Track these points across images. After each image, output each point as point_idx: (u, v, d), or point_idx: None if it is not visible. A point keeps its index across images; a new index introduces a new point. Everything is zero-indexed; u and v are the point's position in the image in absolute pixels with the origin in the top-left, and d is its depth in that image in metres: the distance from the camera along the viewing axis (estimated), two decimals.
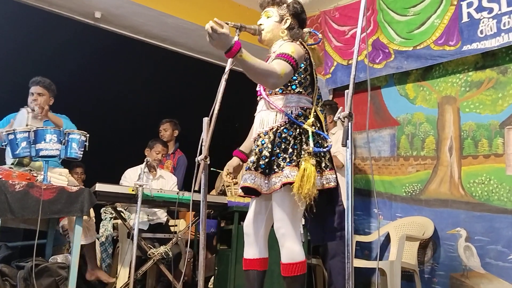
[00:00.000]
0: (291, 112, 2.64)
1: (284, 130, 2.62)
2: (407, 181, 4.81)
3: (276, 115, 2.67)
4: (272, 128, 2.65)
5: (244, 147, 2.96)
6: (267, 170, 2.59)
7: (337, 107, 4.40)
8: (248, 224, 2.79)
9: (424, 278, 4.48)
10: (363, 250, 4.99)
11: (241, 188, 2.65)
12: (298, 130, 2.61)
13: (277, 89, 2.68)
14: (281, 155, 2.57)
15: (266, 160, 2.59)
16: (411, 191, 4.75)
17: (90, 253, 4.22)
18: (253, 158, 2.65)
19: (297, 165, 2.52)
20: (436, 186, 4.57)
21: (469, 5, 4.36)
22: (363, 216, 5.06)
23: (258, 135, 2.71)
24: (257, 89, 2.82)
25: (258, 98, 2.82)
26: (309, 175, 2.46)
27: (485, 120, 4.34)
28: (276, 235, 2.59)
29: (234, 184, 4.78)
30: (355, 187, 5.06)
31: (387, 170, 4.99)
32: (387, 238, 4.74)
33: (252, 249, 2.76)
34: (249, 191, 2.66)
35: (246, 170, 2.65)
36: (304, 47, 2.72)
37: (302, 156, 2.54)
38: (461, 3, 4.42)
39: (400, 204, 4.82)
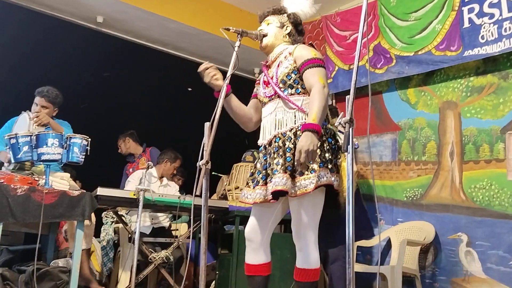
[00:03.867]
0: None
1: None
2: (408, 186, 4.81)
3: (295, 115, 2.65)
4: (292, 129, 2.63)
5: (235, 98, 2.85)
6: (294, 173, 2.54)
7: (337, 111, 4.41)
8: (251, 230, 2.77)
9: (425, 283, 4.47)
10: (364, 255, 4.98)
11: (272, 193, 2.55)
12: (322, 130, 2.58)
13: (295, 90, 2.68)
14: None
15: (291, 162, 2.55)
16: (412, 196, 4.75)
17: (83, 258, 4.17)
18: (277, 160, 2.58)
19: (327, 167, 2.51)
20: (437, 191, 4.57)
21: (470, 10, 4.37)
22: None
23: (275, 136, 2.67)
24: (263, 90, 2.81)
25: (265, 101, 2.80)
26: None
27: (486, 125, 4.34)
28: (295, 237, 2.58)
29: (236, 189, 4.79)
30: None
31: (388, 175, 4.99)
32: (388, 243, 4.73)
33: (256, 255, 2.74)
34: (276, 195, 2.58)
35: (274, 173, 2.56)
36: (314, 48, 2.75)
37: (337, 156, 2.55)
38: (463, 8, 4.43)
39: (401, 209, 4.81)
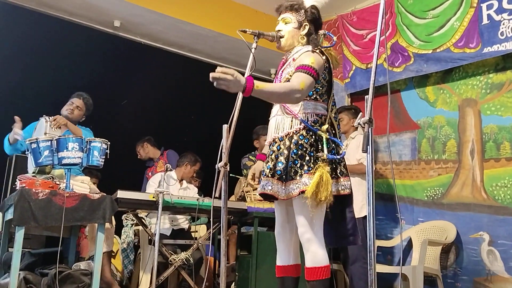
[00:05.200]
0: (307, 118, 2.64)
1: (300, 136, 2.62)
2: (429, 185, 4.76)
3: (292, 120, 2.67)
4: (288, 134, 2.65)
5: (266, 150, 2.95)
6: (283, 176, 2.59)
7: (360, 111, 4.39)
8: (278, 232, 2.81)
9: (447, 283, 4.42)
10: (385, 255, 4.95)
11: (260, 194, 2.68)
12: (314, 137, 2.62)
13: None
14: (298, 162, 2.57)
15: (282, 166, 2.59)
16: (433, 195, 4.70)
17: (104, 261, 4.21)
18: (269, 164, 2.66)
19: (314, 173, 2.52)
20: (458, 190, 4.52)
21: (489, 7, 4.32)
22: (385, 221, 5.02)
23: (274, 140, 2.71)
24: None
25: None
26: (326, 182, 2.48)
27: (507, 123, 4.28)
28: (301, 240, 2.60)
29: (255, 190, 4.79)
30: (377, 192, 5.02)
31: (408, 174, 4.95)
32: (409, 243, 4.69)
33: (285, 256, 2.77)
34: (267, 197, 2.69)
35: (263, 177, 2.66)
36: (323, 54, 2.72)
37: (317, 163, 2.54)
38: (481, 5, 4.37)
39: (422, 209, 4.77)
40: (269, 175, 2.61)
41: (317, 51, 2.70)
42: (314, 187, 2.46)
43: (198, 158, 5.13)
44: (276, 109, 2.78)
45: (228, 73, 2.25)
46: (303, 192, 2.50)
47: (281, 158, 2.61)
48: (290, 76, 2.64)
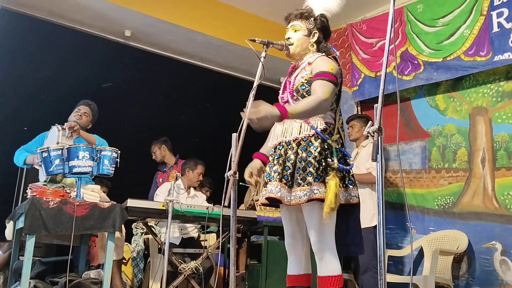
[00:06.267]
0: (317, 125, 2.64)
1: (309, 143, 2.60)
2: (439, 193, 4.72)
3: (301, 126, 2.65)
4: (296, 139, 2.64)
5: (264, 150, 2.91)
6: (290, 182, 2.58)
7: (370, 120, 4.38)
8: (289, 243, 2.78)
9: None
10: (396, 265, 4.91)
11: (266, 198, 2.64)
12: (322, 144, 2.59)
13: None
14: (306, 169, 2.55)
15: (289, 171, 2.59)
16: (444, 204, 4.67)
17: (114, 270, 4.22)
18: (276, 167, 2.63)
19: (323, 181, 2.51)
20: (469, 199, 4.49)
21: (499, 15, 4.30)
22: (395, 230, 4.98)
23: (280, 143, 2.69)
24: (281, 94, 2.81)
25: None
26: (338, 193, 2.49)
27: None
28: (314, 248, 2.58)
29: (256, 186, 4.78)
30: (387, 201, 4.99)
31: (419, 182, 4.92)
32: (420, 252, 4.66)
33: (297, 266, 2.75)
34: (273, 201, 2.65)
35: (270, 180, 2.63)
36: (336, 61, 2.73)
37: (328, 172, 2.53)
38: (491, 13, 4.36)
39: (433, 218, 4.73)
40: (277, 179, 2.59)
41: (331, 57, 2.72)
42: (333, 199, 2.45)
43: (198, 161, 5.11)
44: None
45: (261, 113, 2.34)
46: (312, 200, 2.49)
47: (288, 163, 2.60)
48: (306, 80, 2.65)
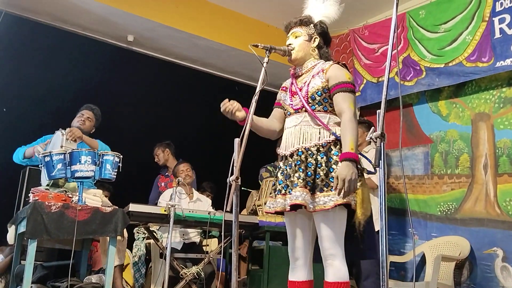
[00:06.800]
0: (335, 131, 2.65)
1: (329, 149, 2.62)
2: (442, 199, 4.72)
3: (319, 132, 2.66)
4: (316, 146, 2.63)
5: (255, 119, 2.80)
6: (312, 188, 2.57)
7: (372, 125, 4.38)
8: (299, 248, 2.74)
9: None
10: (398, 271, 4.90)
11: (291, 206, 2.57)
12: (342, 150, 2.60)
13: (322, 107, 2.69)
14: (328, 174, 2.56)
15: (311, 177, 2.58)
16: (446, 210, 4.66)
17: (116, 275, 4.22)
18: (299, 174, 2.60)
19: None
20: (472, 205, 4.48)
21: (501, 20, 4.30)
22: (398, 236, 4.97)
23: (298, 149, 2.67)
24: (290, 101, 2.80)
25: (291, 111, 2.79)
26: (367, 199, 2.56)
27: None
28: (325, 253, 2.57)
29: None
30: (389, 206, 4.98)
31: (421, 188, 4.91)
32: (423, 258, 4.64)
33: (302, 272, 2.73)
34: (295, 207, 2.61)
35: (294, 187, 2.58)
36: (347, 68, 2.77)
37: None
38: (493, 19, 4.36)
39: (435, 224, 4.72)
40: (302, 185, 2.56)
41: (342, 64, 2.75)
42: (368, 205, 2.51)
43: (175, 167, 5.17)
44: (298, 119, 2.74)
45: (353, 178, 2.41)
46: (337, 205, 2.50)
47: (310, 170, 2.59)
48: (322, 88, 2.67)
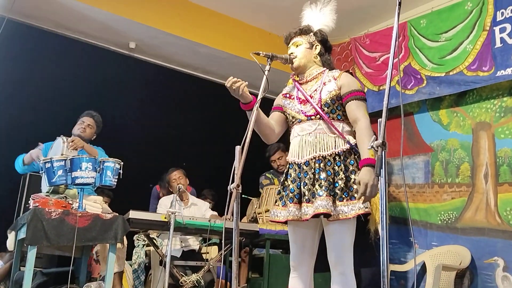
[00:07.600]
0: (350, 139, 2.67)
1: (345, 157, 2.63)
2: (442, 208, 4.71)
3: (335, 140, 2.67)
4: (332, 154, 2.64)
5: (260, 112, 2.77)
6: (334, 197, 2.57)
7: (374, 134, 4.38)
8: (299, 257, 2.75)
9: None
10: (399, 280, 4.88)
11: (314, 215, 2.56)
12: (359, 159, 2.61)
13: (336, 115, 2.70)
14: (348, 183, 2.58)
15: (331, 186, 2.58)
16: (447, 219, 4.65)
17: (116, 282, 4.21)
18: (320, 182, 2.58)
19: None
20: (472, 214, 4.46)
21: (502, 30, 4.32)
22: (398, 245, 4.95)
23: (315, 158, 2.65)
24: (300, 108, 2.78)
25: (302, 118, 2.77)
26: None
27: None
28: (335, 261, 2.57)
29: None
30: (390, 215, 4.97)
31: (422, 197, 4.90)
32: (423, 267, 4.62)
33: (302, 282, 2.73)
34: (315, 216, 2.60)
35: (319, 195, 2.55)
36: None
37: None
38: (494, 28, 4.37)
39: (436, 233, 4.71)
40: (327, 194, 2.54)
41: (349, 73, 2.81)
42: (377, 212, 2.50)
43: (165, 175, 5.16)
44: (312, 126, 2.72)
45: (374, 184, 2.37)
46: (358, 216, 2.53)
47: (330, 178, 2.59)
48: (335, 95, 2.69)
